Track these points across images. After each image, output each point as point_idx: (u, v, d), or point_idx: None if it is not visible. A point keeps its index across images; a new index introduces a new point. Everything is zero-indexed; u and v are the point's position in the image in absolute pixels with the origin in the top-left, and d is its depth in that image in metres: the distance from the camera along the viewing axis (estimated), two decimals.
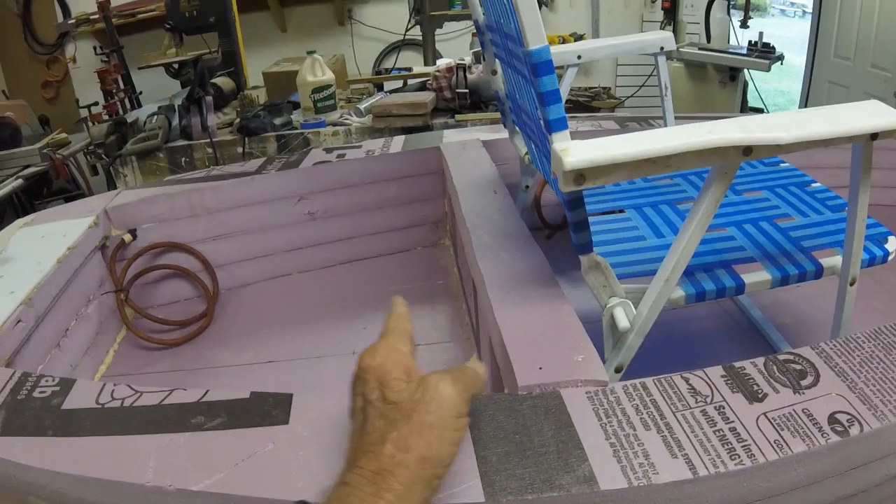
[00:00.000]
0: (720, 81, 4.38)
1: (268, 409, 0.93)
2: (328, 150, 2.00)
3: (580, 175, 0.90)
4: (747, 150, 0.94)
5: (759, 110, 4.78)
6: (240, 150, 3.23)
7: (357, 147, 2.00)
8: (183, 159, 3.28)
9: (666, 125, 1.76)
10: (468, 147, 1.88)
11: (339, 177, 1.94)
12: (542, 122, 1.04)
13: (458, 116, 3.12)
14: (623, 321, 1.05)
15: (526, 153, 1.64)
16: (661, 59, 1.77)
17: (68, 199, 4.68)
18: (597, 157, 0.90)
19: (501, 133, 1.98)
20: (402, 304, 0.87)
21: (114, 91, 4.07)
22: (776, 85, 6.84)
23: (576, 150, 0.90)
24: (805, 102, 4.24)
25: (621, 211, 1.44)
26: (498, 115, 3.02)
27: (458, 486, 0.75)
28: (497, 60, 1.58)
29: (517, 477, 0.75)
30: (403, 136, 2.09)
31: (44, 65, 5.75)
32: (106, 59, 4.58)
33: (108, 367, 1.73)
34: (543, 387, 0.90)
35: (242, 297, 1.98)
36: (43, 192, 4.51)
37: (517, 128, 1.65)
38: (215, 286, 1.94)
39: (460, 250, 1.65)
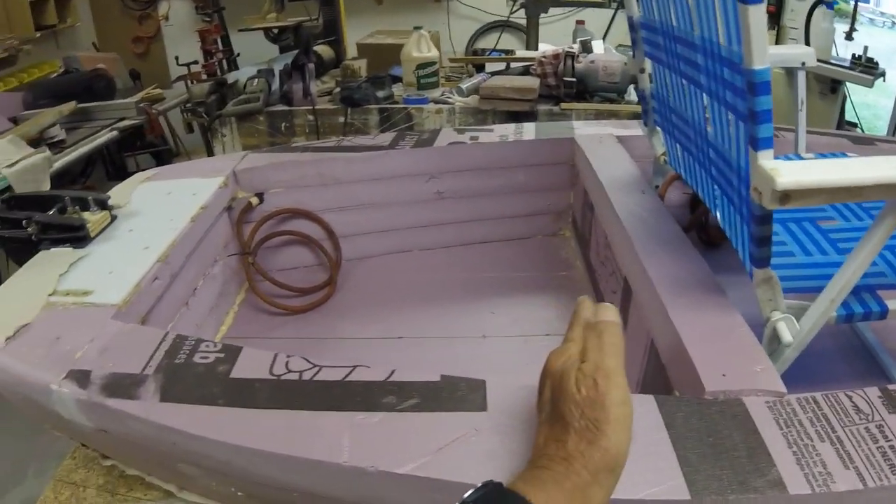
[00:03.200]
0: (820, 93, 4.27)
1: (462, 394, 0.93)
2: (460, 131, 1.98)
3: (786, 195, 0.90)
4: None
5: (853, 125, 4.67)
6: (341, 119, 3.24)
7: (489, 130, 1.98)
8: (283, 124, 3.29)
9: (798, 139, 1.73)
10: (604, 141, 1.85)
11: (472, 159, 1.92)
12: (731, 137, 1.06)
13: (562, 105, 3.09)
14: (787, 336, 1.04)
15: (663, 154, 1.61)
16: (801, 75, 1.73)
17: (156, 155, 4.75)
18: (804, 180, 0.89)
19: (630, 130, 1.95)
20: (587, 307, 0.85)
21: (213, 51, 4.10)
22: (862, 98, 6.68)
23: (785, 170, 0.90)
24: None
25: None
26: (604, 107, 3.02)
27: (663, 483, 0.77)
28: (648, 59, 1.55)
29: (716, 477, 0.77)
30: (534, 124, 2.06)
31: (136, 20, 5.80)
32: (207, 18, 4.60)
33: (228, 328, 1.75)
34: (728, 394, 0.90)
35: (364, 269, 1.98)
36: (136, 144, 4.58)
37: (657, 128, 1.62)
38: (339, 256, 1.94)
39: (601, 247, 1.63)
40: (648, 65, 1.56)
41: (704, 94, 1.20)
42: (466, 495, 0.69)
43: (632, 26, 1.55)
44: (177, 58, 4.64)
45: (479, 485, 0.70)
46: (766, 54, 0.90)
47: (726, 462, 0.79)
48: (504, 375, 0.95)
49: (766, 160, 0.93)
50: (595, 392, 0.70)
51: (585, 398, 0.70)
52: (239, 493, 1.02)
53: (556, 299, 1.77)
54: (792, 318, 1.06)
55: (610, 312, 0.80)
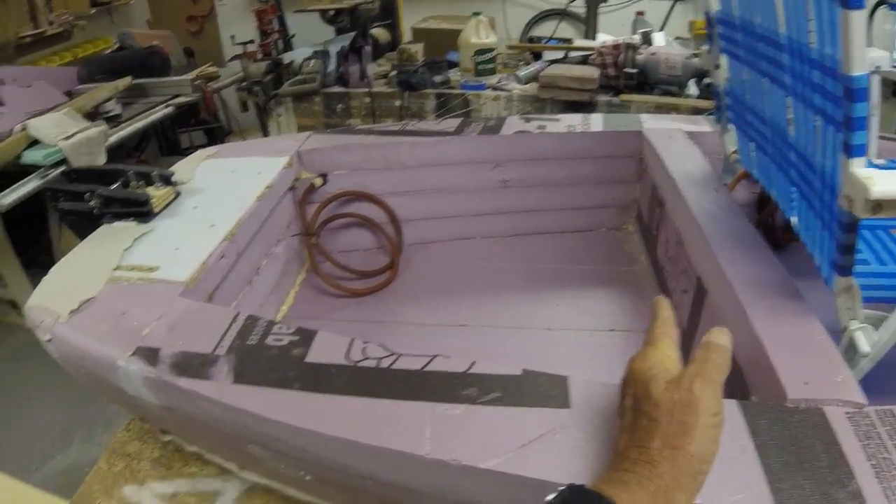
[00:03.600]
0: (882, 96, 4.18)
1: (544, 389, 0.90)
2: (527, 120, 1.94)
3: (878, 205, 0.87)
4: None
5: None
6: (397, 103, 3.22)
7: (556, 120, 1.94)
8: (339, 106, 3.29)
9: (870, 145, 1.67)
10: (674, 136, 1.80)
11: (539, 148, 1.88)
12: (817, 141, 1.03)
13: (622, 96, 3.04)
14: (865, 346, 1.01)
15: (734, 151, 1.57)
16: (876, 79, 1.67)
17: (208, 132, 4.78)
18: None
19: (698, 125, 1.91)
20: (667, 308, 0.84)
21: (269, 31, 4.10)
22: None
23: (880, 180, 0.86)
24: None
25: None
26: (664, 100, 2.96)
27: (747, 491, 0.74)
28: (723, 56, 1.50)
29: (799, 487, 0.74)
30: (601, 115, 2.01)
31: None
32: None
33: (289, 308, 1.74)
34: (809, 402, 0.87)
35: (425, 254, 1.96)
36: (190, 121, 4.61)
37: (731, 125, 1.58)
38: (400, 240, 1.92)
39: (671, 244, 1.59)
40: (724, 60, 1.52)
41: (788, 95, 1.15)
42: (549, 498, 0.67)
43: (708, 21, 1.51)
44: (233, 37, 4.65)
45: (562, 487, 0.68)
46: (866, 60, 0.86)
47: (808, 472, 0.76)
48: (572, 369, 0.93)
49: (859, 168, 0.90)
50: (689, 395, 0.68)
51: (677, 401, 0.68)
52: (308, 478, 1.00)
53: (619, 294, 1.73)
54: (870, 328, 1.03)
55: (723, 336, 0.77)
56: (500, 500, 0.82)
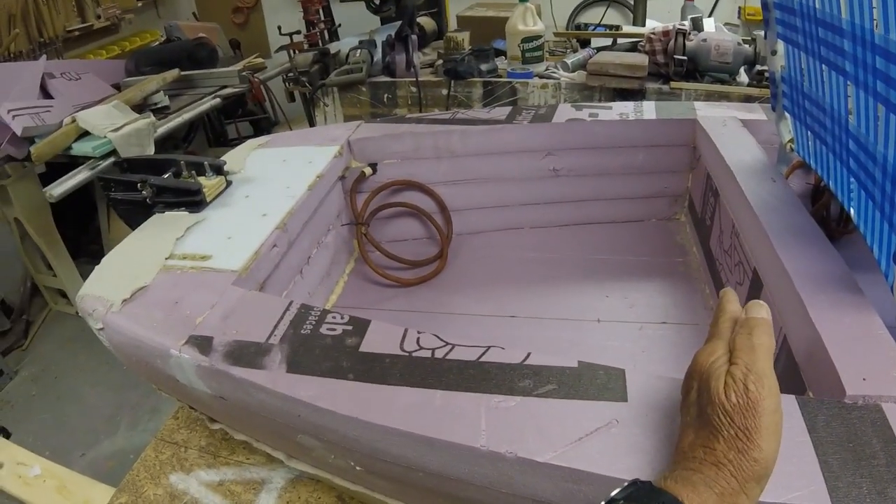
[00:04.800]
0: None
1: (601, 382, 0.88)
2: (578, 108, 1.91)
3: None
4: None
5: None
6: (444, 92, 3.20)
7: (608, 108, 1.91)
8: (385, 95, 3.28)
9: None
10: (728, 125, 1.76)
11: (591, 137, 1.85)
12: (878, 130, 0.99)
13: (672, 84, 2.99)
14: None
15: (790, 140, 1.53)
16: None
17: (254, 123, 4.81)
18: None
19: (753, 113, 1.86)
20: (734, 301, 0.81)
21: (316, 21, 4.10)
22: None
23: None
24: None
25: None
26: (715, 87, 2.91)
27: (804, 489, 0.73)
28: (780, 41, 1.47)
29: (856, 485, 0.73)
30: (654, 103, 1.98)
31: None
32: None
33: (338, 297, 1.74)
34: (867, 398, 0.85)
35: (474, 244, 1.94)
36: (237, 112, 4.64)
37: (787, 114, 1.54)
38: (450, 230, 1.91)
39: (725, 235, 1.55)
40: (780, 46, 1.48)
41: (849, 82, 1.12)
42: (615, 493, 0.67)
43: (765, 5, 1.47)
44: (279, 27, 4.67)
45: (627, 483, 0.67)
46: None
47: (866, 470, 0.74)
48: (622, 362, 0.91)
49: None
50: (746, 399, 0.67)
51: (736, 406, 0.67)
52: (357, 468, 0.99)
53: (672, 286, 1.70)
54: None
55: (762, 310, 0.76)
56: (554, 495, 0.81)
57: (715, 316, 0.80)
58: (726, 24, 4.03)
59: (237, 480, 1.25)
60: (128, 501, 1.22)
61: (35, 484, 1.33)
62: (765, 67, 2.21)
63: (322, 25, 4.18)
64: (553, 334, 1.55)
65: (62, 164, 3.05)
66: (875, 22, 0.96)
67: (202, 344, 1.02)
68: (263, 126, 4.89)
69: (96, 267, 1.28)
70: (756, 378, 0.67)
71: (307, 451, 1.06)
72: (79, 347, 3.54)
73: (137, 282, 1.19)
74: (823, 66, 1.22)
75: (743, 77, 3.02)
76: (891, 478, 0.73)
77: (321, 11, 4.23)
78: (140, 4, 4.99)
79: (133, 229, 1.43)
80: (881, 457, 0.76)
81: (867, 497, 0.71)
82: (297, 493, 1.21)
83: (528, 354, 0.93)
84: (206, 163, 1.54)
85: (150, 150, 3.17)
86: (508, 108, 1.95)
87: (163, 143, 3.43)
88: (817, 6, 1.17)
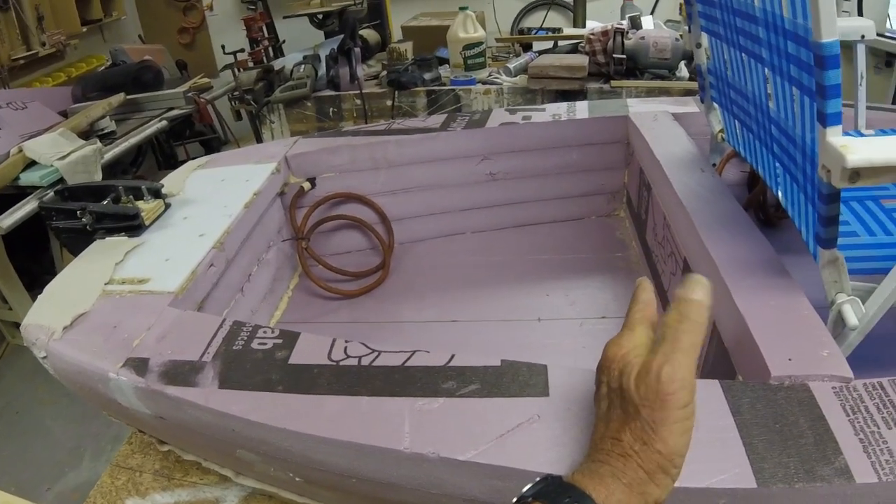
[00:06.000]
0: (875, 66, 4.16)
1: (523, 379, 0.90)
2: (512, 111, 1.95)
3: (856, 173, 0.87)
4: None
5: None
6: (388, 102, 3.22)
7: (541, 110, 1.94)
8: (331, 109, 3.29)
9: (857, 115, 1.67)
10: (659, 119, 1.80)
11: (525, 139, 1.89)
12: (795, 113, 1.02)
13: (613, 82, 3.04)
14: (852, 319, 1.01)
15: (720, 131, 1.57)
16: (861, 48, 1.66)
17: (205, 143, 4.80)
18: (875, 158, 0.85)
19: (686, 107, 1.91)
20: (647, 290, 0.80)
21: (259, 39, 4.11)
22: None
23: (856, 148, 0.86)
24: None
25: None
26: (655, 84, 2.96)
27: (728, 471, 0.74)
28: (704, 34, 1.51)
29: (783, 465, 0.74)
30: (587, 102, 2.02)
31: (180, 11, 5.87)
32: (252, 6, 4.63)
33: (283, 313, 1.75)
34: (794, 378, 0.87)
35: (416, 252, 1.97)
36: (185, 133, 4.62)
37: (715, 105, 1.58)
38: (391, 239, 1.93)
39: (658, 227, 1.59)
40: (705, 39, 1.52)
41: (766, 69, 1.16)
42: (525, 489, 0.69)
43: (687, 0, 1.51)
44: (223, 46, 4.67)
45: (538, 478, 0.70)
46: (836, 27, 0.86)
47: (793, 450, 0.76)
48: (560, 359, 0.94)
49: (834, 136, 0.90)
50: (657, 388, 0.66)
51: (645, 397, 0.66)
52: (297, 479, 1.01)
53: (612, 281, 1.73)
54: (858, 300, 1.03)
55: (699, 289, 0.71)
56: (481, 492, 0.83)
57: (629, 306, 0.79)
58: (668, 20, 4.08)
59: (192, 501, 1.26)
60: None
61: None
62: None
63: (266, 42, 4.18)
64: (493, 336, 1.57)
65: (10, 195, 3.02)
66: (784, 8, 1.00)
67: (139, 366, 1.03)
68: (213, 146, 4.87)
69: (39, 296, 1.29)
70: (671, 368, 0.66)
71: (249, 466, 1.08)
72: (39, 380, 3.50)
73: (78, 308, 1.20)
74: (743, 54, 1.26)
75: (683, 72, 3.08)
76: (818, 456, 0.75)
77: (264, 28, 4.23)
78: (85, 30, 4.95)
79: (75, 256, 1.44)
80: (808, 435, 0.78)
81: (795, 476, 0.73)
82: None
83: (453, 356, 0.95)
84: (143, 187, 1.55)
85: (98, 177, 3.15)
86: (444, 116, 1.97)
87: (111, 168, 3.41)
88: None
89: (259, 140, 3.44)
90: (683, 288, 0.71)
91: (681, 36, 3.03)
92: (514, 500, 0.68)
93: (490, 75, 3.27)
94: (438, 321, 1.64)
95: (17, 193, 3.02)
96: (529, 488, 0.68)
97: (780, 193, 1.22)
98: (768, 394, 0.84)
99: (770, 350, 0.92)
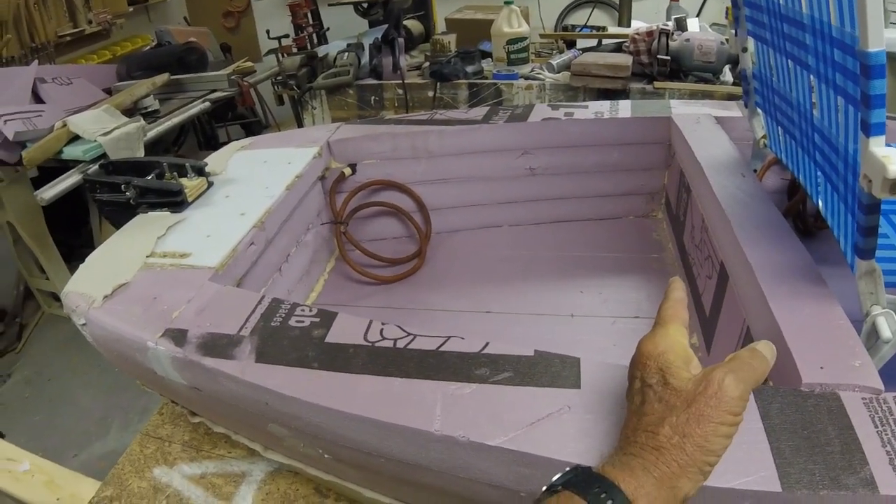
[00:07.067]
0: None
1: (556, 370, 0.91)
2: (554, 107, 1.94)
3: None
4: None
5: None
6: (430, 94, 3.24)
7: (584, 107, 1.94)
8: (372, 98, 3.31)
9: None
10: (702, 122, 1.79)
11: (567, 136, 1.89)
12: (839, 122, 1.01)
13: (656, 83, 3.03)
14: (886, 332, 0.99)
15: (763, 136, 1.56)
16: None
17: (246, 126, 4.84)
18: None
19: (729, 111, 1.89)
20: (679, 289, 0.82)
21: (304, 25, 4.13)
22: None
23: None
24: None
25: None
26: (699, 87, 2.94)
27: (754, 474, 0.74)
28: (751, 38, 1.50)
29: (808, 472, 0.74)
30: (630, 101, 2.00)
31: None
32: None
33: (318, 294, 1.77)
34: (824, 387, 0.86)
35: (452, 242, 1.98)
36: (227, 116, 4.66)
37: (759, 110, 1.57)
38: (429, 228, 1.94)
39: (696, 230, 1.59)
40: (751, 44, 1.51)
41: (811, 76, 1.15)
42: (556, 478, 0.69)
43: (735, 3, 1.50)
44: (268, 31, 4.70)
45: (568, 468, 0.70)
46: (883, 36, 0.85)
47: (820, 457, 0.76)
48: (592, 355, 0.93)
49: (877, 147, 0.89)
50: (717, 388, 0.67)
51: (701, 392, 0.67)
52: (326, 456, 1.02)
53: (646, 281, 1.73)
54: (892, 313, 1.01)
55: (768, 349, 0.76)
56: (507, 479, 0.83)
57: (661, 304, 0.81)
58: (713, 24, 4.05)
59: (218, 473, 1.28)
60: (113, 494, 1.24)
61: (24, 479, 1.35)
62: None
63: (310, 29, 4.20)
64: (525, 329, 1.58)
65: (54, 169, 3.07)
66: (832, 15, 0.99)
67: (177, 336, 1.05)
68: (254, 129, 4.92)
69: (81, 266, 1.31)
70: (735, 379, 0.68)
71: (279, 441, 1.09)
72: (72, 350, 3.57)
73: (119, 279, 1.22)
74: (789, 61, 1.25)
75: (727, 76, 3.06)
76: (844, 465, 0.74)
77: (309, 15, 4.25)
78: (131, 10, 5.02)
79: (117, 229, 1.47)
80: (836, 444, 0.77)
81: (819, 483, 0.72)
82: (277, 485, 1.24)
83: (487, 344, 0.96)
84: (187, 164, 1.57)
85: (140, 154, 3.19)
86: (486, 109, 1.98)
87: (153, 146, 3.45)
88: (781, 2, 1.20)
89: (300, 125, 3.47)
90: (755, 343, 0.76)
91: (726, 40, 3.01)
92: (545, 488, 0.69)
93: (532, 71, 3.27)
94: (471, 311, 1.64)
95: (60, 167, 3.07)
96: (559, 477, 0.68)
97: (820, 202, 1.21)
98: (798, 400, 0.84)
99: (802, 357, 0.91)
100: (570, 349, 0.97)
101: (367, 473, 1.05)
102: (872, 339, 1.01)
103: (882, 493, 0.72)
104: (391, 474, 0.98)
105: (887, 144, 0.90)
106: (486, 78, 3.27)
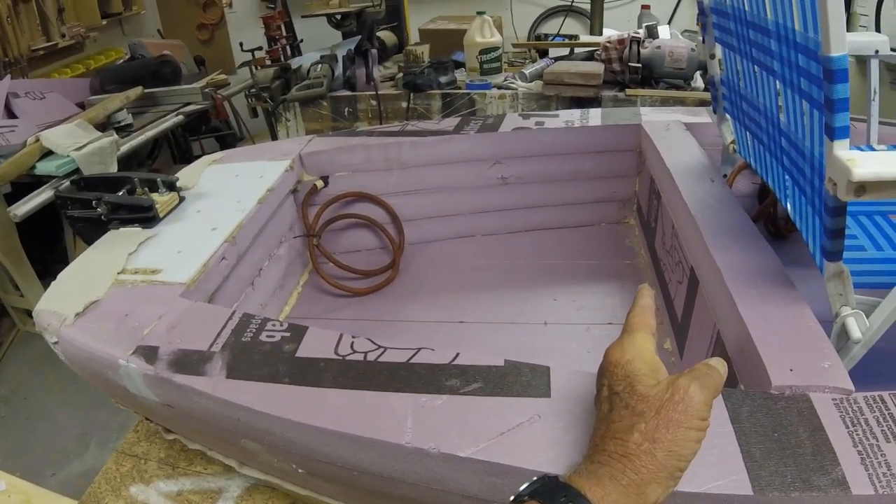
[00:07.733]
0: (890, 82, 4.15)
1: (526, 380, 0.91)
2: (525, 117, 1.96)
3: (861, 187, 0.87)
4: None
5: None
6: (404, 104, 3.24)
7: (554, 116, 1.96)
8: (346, 109, 3.31)
9: (870, 130, 1.68)
10: (672, 128, 1.81)
11: (538, 145, 1.90)
12: (805, 126, 1.03)
13: (627, 91, 3.04)
14: (856, 332, 1.01)
15: (732, 142, 1.58)
16: (875, 63, 1.67)
17: (220, 139, 4.82)
18: (882, 172, 0.86)
19: (700, 117, 1.91)
20: (647, 296, 0.82)
21: (277, 37, 4.13)
22: None
23: (863, 161, 0.86)
24: None
25: None
26: (670, 93, 2.96)
27: (725, 478, 0.75)
28: (718, 45, 1.52)
29: (780, 474, 0.75)
30: (600, 109, 2.02)
31: (199, 7, 5.88)
32: (271, 5, 4.64)
33: (292, 308, 1.77)
34: (794, 389, 0.87)
35: (426, 253, 1.98)
36: (201, 129, 4.64)
37: (728, 116, 1.59)
38: (402, 239, 1.95)
39: (667, 236, 1.60)
40: (718, 50, 1.53)
41: (777, 82, 1.16)
42: (522, 488, 0.69)
43: (702, 10, 1.52)
44: (241, 44, 4.69)
45: (535, 478, 0.69)
46: (845, 41, 0.87)
47: (790, 459, 0.76)
48: (565, 363, 0.95)
49: (842, 150, 0.90)
50: (683, 395, 0.67)
51: (668, 399, 0.68)
52: (300, 470, 1.02)
53: (619, 287, 1.74)
54: (862, 314, 1.03)
55: (722, 366, 0.75)
56: (479, 489, 0.84)
57: (629, 311, 0.81)
58: (685, 31, 4.08)
59: (195, 490, 1.28)
60: None
61: (1, 500, 1.34)
62: None
63: (284, 41, 4.21)
64: (499, 338, 1.59)
65: (27, 184, 3.05)
66: (795, 21, 1.00)
67: (149, 353, 1.05)
68: (228, 142, 4.89)
69: (52, 283, 1.31)
70: (699, 386, 0.68)
71: (253, 456, 1.09)
72: (48, 367, 3.53)
73: (90, 296, 1.21)
74: (755, 66, 1.27)
75: (699, 82, 3.08)
76: (816, 466, 0.75)
77: (283, 27, 4.25)
78: (105, 23, 4.98)
79: (89, 245, 1.46)
80: (807, 445, 0.78)
81: (791, 485, 0.73)
82: (253, 501, 1.24)
83: (457, 354, 0.96)
84: (159, 179, 1.57)
85: (114, 168, 3.17)
86: (457, 119, 1.99)
87: (127, 160, 3.43)
88: (746, 8, 1.22)
89: (274, 137, 3.47)
90: (709, 360, 0.75)
91: (696, 46, 3.03)
92: (512, 498, 0.69)
93: (505, 80, 3.28)
94: (446, 322, 1.65)
95: (33, 182, 3.05)
96: (526, 487, 0.68)
97: (788, 206, 1.22)
98: (768, 403, 0.85)
99: (771, 360, 0.92)
100: (544, 357, 0.98)
101: (342, 487, 1.05)
102: (843, 339, 1.03)
103: (854, 493, 0.72)
104: (365, 487, 0.98)
105: (857, 147, 0.91)
106: (460, 88, 3.27)
